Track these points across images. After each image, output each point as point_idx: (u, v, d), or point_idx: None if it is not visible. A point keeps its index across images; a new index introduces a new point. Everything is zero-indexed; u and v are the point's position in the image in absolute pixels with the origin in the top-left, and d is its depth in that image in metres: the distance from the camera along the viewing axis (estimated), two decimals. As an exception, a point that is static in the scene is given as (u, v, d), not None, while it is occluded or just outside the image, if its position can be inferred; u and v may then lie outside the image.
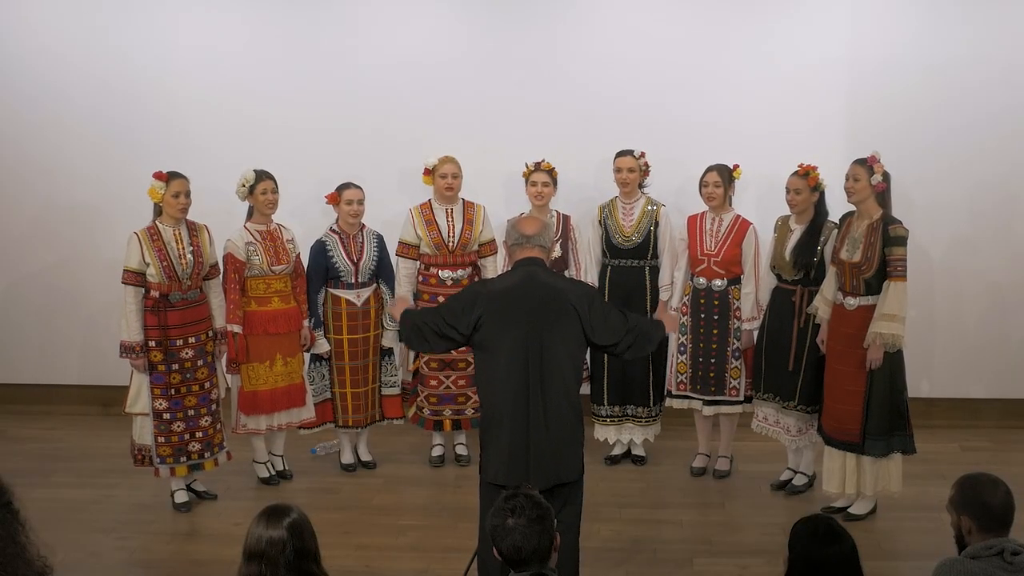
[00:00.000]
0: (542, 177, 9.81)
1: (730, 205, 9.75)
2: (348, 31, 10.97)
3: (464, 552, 8.15)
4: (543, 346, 6.95)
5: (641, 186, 9.92)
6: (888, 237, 8.61)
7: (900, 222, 8.74)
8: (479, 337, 7.01)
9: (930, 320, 10.86)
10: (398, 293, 9.86)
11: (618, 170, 9.83)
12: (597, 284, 9.94)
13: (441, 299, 9.57)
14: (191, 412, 9.24)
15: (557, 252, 9.80)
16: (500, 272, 9.79)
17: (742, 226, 9.65)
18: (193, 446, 9.28)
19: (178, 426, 9.19)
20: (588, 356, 9.87)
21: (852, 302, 8.80)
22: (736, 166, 9.69)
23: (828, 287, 9.00)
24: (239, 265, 9.36)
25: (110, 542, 8.88)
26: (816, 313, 9.13)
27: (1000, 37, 10.63)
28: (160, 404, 9.13)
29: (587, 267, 10.01)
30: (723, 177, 9.58)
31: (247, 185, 9.41)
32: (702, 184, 9.63)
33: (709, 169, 9.62)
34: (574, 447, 7.12)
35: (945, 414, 10.79)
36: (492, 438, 7.11)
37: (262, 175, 9.43)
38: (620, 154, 9.85)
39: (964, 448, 10.15)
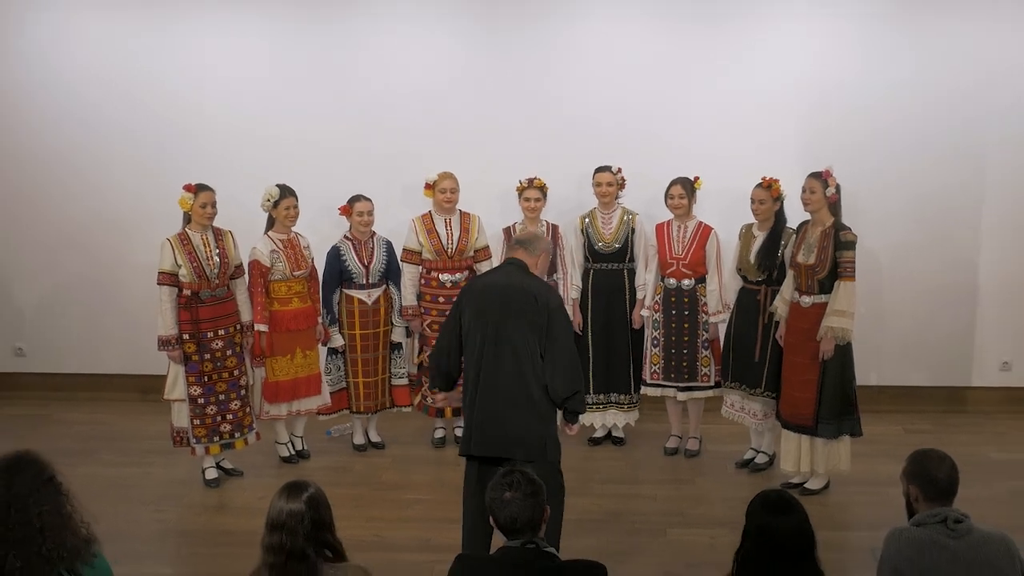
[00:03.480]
0: (534, 193, 9.88)
1: (693, 214, 9.78)
2: (359, 60, 10.99)
3: (459, 524, 8.33)
4: (499, 333, 7.05)
5: (617, 198, 9.96)
6: (839, 242, 8.69)
7: (850, 229, 8.81)
8: (463, 325, 7.20)
9: (877, 316, 10.84)
10: (406, 302, 9.95)
11: (598, 184, 9.87)
12: (581, 286, 9.99)
13: (442, 299, 9.83)
14: (222, 397, 9.29)
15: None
16: (494, 275, 10.00)
17: (705, 231, 9.72)
18: (224, 427, 9.34)
19: (211, 409, 9.25)
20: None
21: (807, 300, 8.88)
22: (696, 177, 9.75)
23: (786, 287, 9.09)
24: (264, 270, 9.40)
25: (148, 514, 8.95)
26: (776, 311, 9.22)
27: (942, 64, 10.66)
28: (195, 390, 9.20)
29: (572, 273, 10.04)
30: (686, 189, 9.65)
31: (271, 200, 9.45)
32: (667, 196, 9.69)
33: (673, 183, 9.68)
34: (528, 429, 7.11)
35: (890, 400, 10.80)
36: (464, 416, 7.35)
37: (286, 192, 9.47)
38: (599, 170, 9.90)
39: (908, 431, 10.15)
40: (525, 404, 7.10)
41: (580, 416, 7.35)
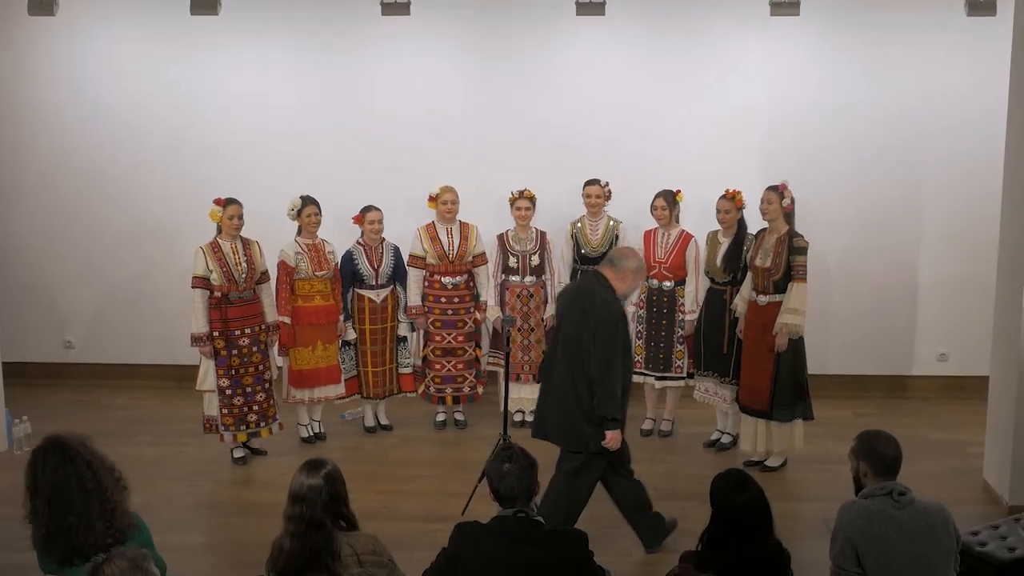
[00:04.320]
0: (525, 203, 9.89)
1: (676, 222, 9.78)
2: (370, 87, 10.97)
3: (462, 496, 8.35)
4: (562, 334, 7.39)
5: (604, 207, 9.97)
6: (793, 248, 8.76)
7: (802, 236, 8.88)
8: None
9: (827, 313, 10.81)
10: (412, 302, 9.93)
11: (588, 195, 9.87)
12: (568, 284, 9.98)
13: (443, 299, 9.92)
14: (248, 389, 9.28)
15: (535, 261, 10.00)
16: (490, 277, 10.03)
17: (686, 238, 9.72)
18: (251, 417, 9.33)
19: (238, 400, 9.25)
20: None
21: (763, 299, 8.94)
22: (679, 191, 9.74)
23: (745, 287, 9.11)
24: (289, 270, 9.44)
25: (182, 488, 8.96)
26: (736, 309, 9.23)
27: (885, 91, 10.69)
28: (223, 382, 9.19)
29: (560, 272, 10.05)
30: (668, 201, 9.64)
31: (295, 209, 9.49)
32: (652, 207, 9.69)
33: (657, 196, 9.68)
34: (571, 422, 7.27)
35: (839, 388, 10.77)
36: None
37: (307, 201, 9.50)
38: (589, 183, 9.90)
39: (856, 414, 10.12)
40: (570, 400, 7.28)
41: (612, 427, 7.22)
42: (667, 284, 9.76)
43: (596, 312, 7.17)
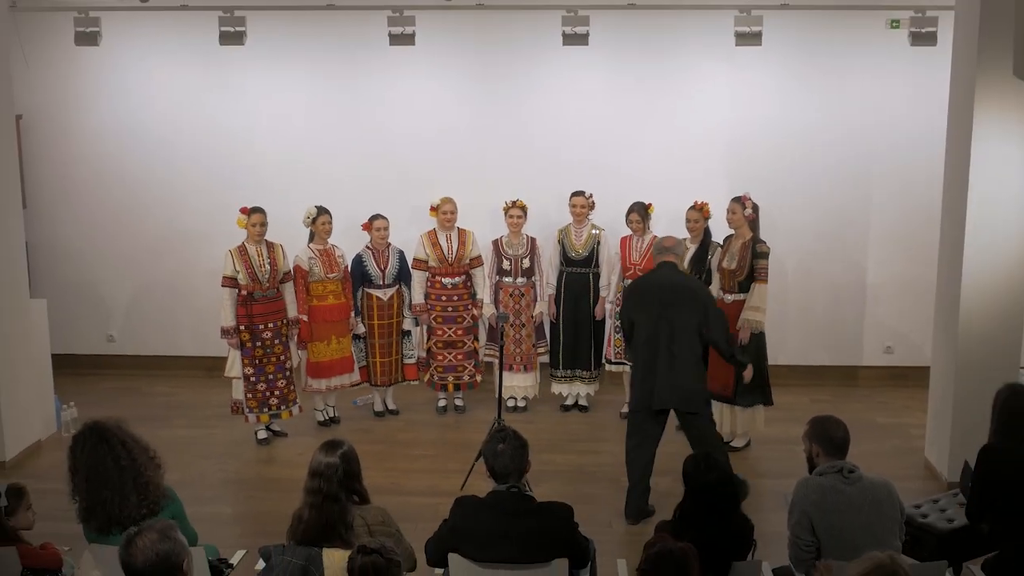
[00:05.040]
0: (517, 212, 9.86)
1: (649, 230, 9.76)
2: (379, 107, 10.99)
3: (461, 473, 8.36)
4: (670, 318, 7.53)
5: (588, 216, 9.96)
6: (756, 252, 8.78)
7: (765, 242, 8.90)
8: (631, 318, 7.80)
9: (785, 310, 10.87)
10: (415, 300, 9.92)
11: (574, 205, 9.85)
12: (555, 285, 10.00)
13: (444, 298, 9.89)
14: (271, 376, 9.32)
15: (526, 264, 10.00)
16: (486, 278, 10.01)
17: (657, 243, 9.75)
18: (272, 400, 9.36)
19: (261, 386, 9.28)
20: (547, 332, 10.12)
21: (729, 298, 8.96)
22: (650, 204, 9.75)
23: (713, 288, 9.05)
24: (303, 273, 9.44)
25: (212, 465, 8.99)
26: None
27: (838, 112, 10.73)
28: (248, 370, 9.23)
29: (548, 274, 10.05)
30: (640, 214, 9.65)
31: (311, 217, 9.49)
32: (627, 219, 9.70)
33: (631, 209, 9.68)
34: (695, 386, 7.62)
35: (797, 376, 10.79)
36: (635, 382, 7.82)
37: (322, 211, 9.51)
38: (575, 194, 9.88)
39: (811, 400, 10.08)
40: (689, 369, 7.58)
41: (746, 364, 7.96)
42: (642, 284, 9.73)
43: (702, 293, 7.76)
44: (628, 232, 9.86)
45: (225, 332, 9.19)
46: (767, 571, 5.56)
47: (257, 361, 9.27)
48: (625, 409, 10.02)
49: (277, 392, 9.40)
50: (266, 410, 9.39)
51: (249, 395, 9.30)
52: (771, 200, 10.15)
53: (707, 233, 9.37)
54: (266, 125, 11.12)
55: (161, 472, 5.39)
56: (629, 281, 9.64)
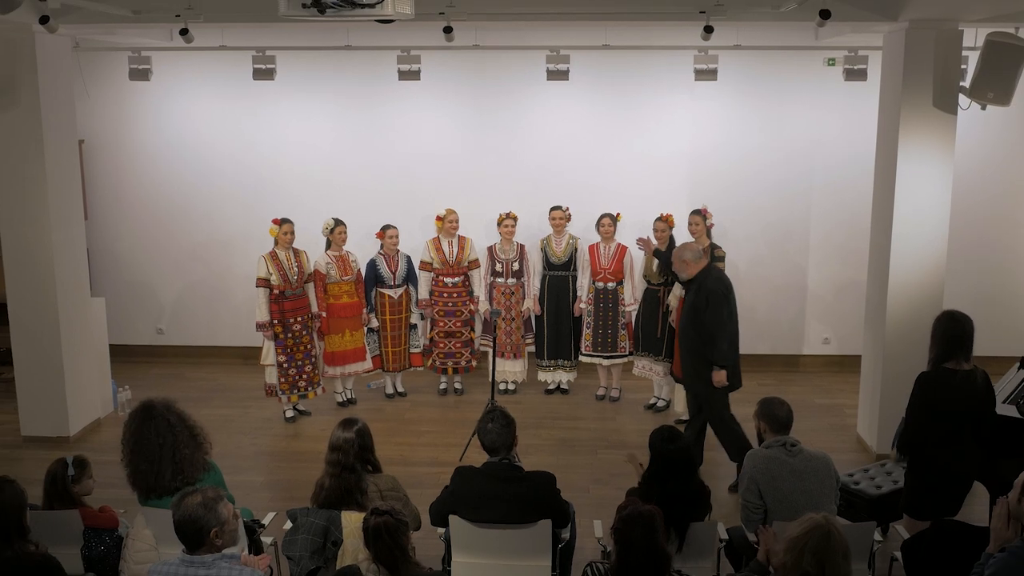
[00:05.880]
0: (510, 222, 9.85)
1: (614, 238, 9.75)
2: (389, 132, 10.93)
3: (459, 446, 8.38)
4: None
5: (566, 227, 9.91)
6: (713, 256, 8.64)
7: (721, 247, 8.89)
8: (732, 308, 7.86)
9: (738, 306, 10.65)
10: (421, 296, 9.91)
11: (553, 218, 9.83)
12: (539, 286, 9.97)
13: (445, 295, 9.87)
14: (299, 362, 9.34)
15: (516, 267, 9.96)
16: (481, 278, 9.97)
17: (622, 250, 9.68)
18: (301, 383, 9.37)
19: (292, 371, 9.30)
20: (533, 325, 10.11)
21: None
22: (618, 213, 9.77)
23: (676, 288, 8.98)
24: (322, 276, 9.45)
25: (246, 440, 9.01)
26: (670, 304, 9.18)
27: (780, 136, 10.69)
28: (281, 358, 9.24)
29: (533, 277, 10.00)
30: (612, 221, 9.65)
31: (328, 228, 9.50)
32: (599, 225, 9.67)
33: (602, 217, 9.67)
34: (695, 369, 7.77)
35: (746, 364, 9.91)
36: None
37: (338, 222, 9.52)
38: (554, 208, 9.87)
39: (759, 384, 10.03)
40: (692, 354, 7.75)
41: (721, 366, 7.72)
42: (610, 285, 9.70)
43: (706, 286, 7.72)
44: (597, 240, 9.83)
45: (261, 326, 9.17)
46: (721, 530, 5.58)
47: (288, 350, 9.27)
48: (600, 392, 10.09)
49: (304, 376, 9.41)
50: (295, 391, 9.39)
51: (282, 379, 9.30)
52: (725, 213, 10.18)
53: (672, 241, 9.30)
54: (292, 148, 11.07)
55: (203, 449, 5.37)
56: (600, 284, 9.69)
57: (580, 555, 5.82)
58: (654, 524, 4.32)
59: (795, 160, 10.80)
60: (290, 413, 9.53)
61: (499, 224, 9.94)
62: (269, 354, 9.28)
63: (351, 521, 5.08)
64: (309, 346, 9.43)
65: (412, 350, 10.10)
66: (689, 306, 7.68)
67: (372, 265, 9.79)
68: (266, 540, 5.66)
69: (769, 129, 10.76)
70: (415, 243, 10.15)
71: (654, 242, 9.17)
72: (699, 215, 9.02)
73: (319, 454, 5.55)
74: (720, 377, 7.66)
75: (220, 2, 8.12)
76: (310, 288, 9.44)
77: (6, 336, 9.04)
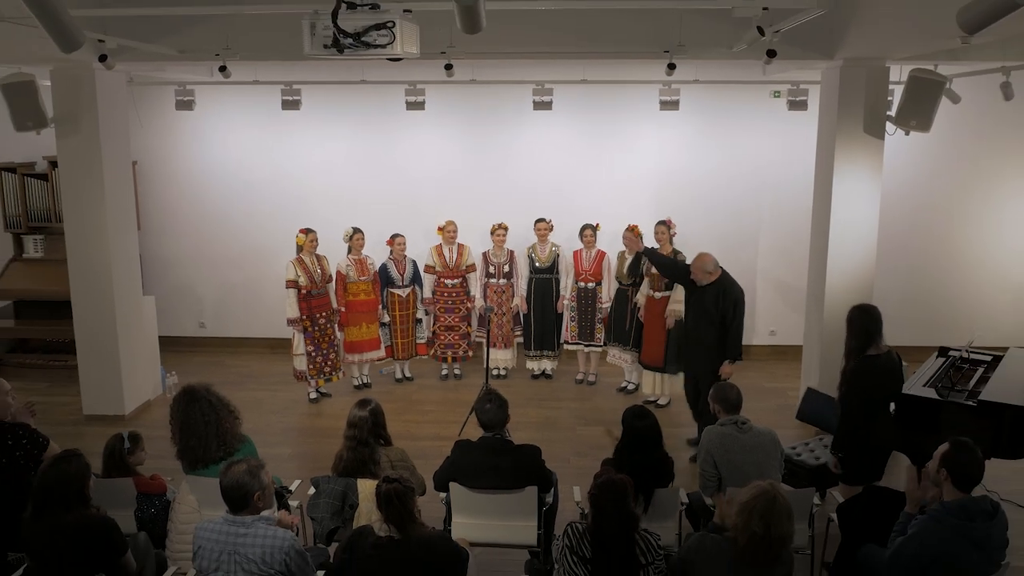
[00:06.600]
0: (502, 232, 9.81)
1: (595, 244, 9.74)
2: (399, 155, 10.90)
3: (458, 423, 8.37)
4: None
5: (549, 236, 9.89)
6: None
7: (682, 252, 8.80)
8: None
9: None
10: (426, 295, 9.89)
11: (538, 229, 9.80)
12: (526, 287, 9.93)
13: (446, 294, 9.84)
14: (324, 351, 9.34)
15: (506, 270, 9.93)
16: (477, 280, 9.93)
17: (601, 255, 9.65)
18: (326, 369, 9.38)
19: (319, 359, 9.31)
20: (522, 320, 10.05)
21: (658, 295, 8.92)
22: (598, 224, 9.73)
23: (644, 287, 9.06)
24: (342, 277, 9.43)
25: (276, 418, 8.99)
26: (639, 302, 9.18)
27: (734, 158, 10.68)
28: (309, 348, 9.26)
29: (521, 279, 9.96)
30: (593, 231, 9.62)
31: (348, 235, 9.49)
32: (582, 234, 9.64)
33: (584, 228, 9.64)
34: (707, 361, 7.54)
35: None
36: None
37: (356, 230, 9.53)
38: (539, 220, 9.82)
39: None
40: (705, 347, 7.53)
41: (736, 359, 7.60)
42: (590, 285, 9.67)
43: (731, 292, 7.55)
44: (579, 247, 9.79)
45: (291, 321, 9.17)
46: (683, 495, 5.59)
47: (316, 341, 9.27)
48: (579, 376, 10.08)
49: (329, 363, 9.42)
50: (322, 376, 9.41)
51: (310, 366, 9.31)
52: (686, 223, 10.13)
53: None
54: (315, 168, 11.03)
55: (239, 423, 5.39)
56: (582, 284, 9.68)
57: (561, 516, 5.80)
58: (625, 490, 4.33)
59: (746, 178, 10.78)
60: (313, 395, 9.50)
61: (492, 233, 9.91)
62: (299, 345, 9.27)
63: (366, 487, 5.09)
64: (332, 337, 9.43)
65: (418, 341, 10.07)
66: (708, 307, 7.50)
67: (384, 269, 9.76)
68: (293, 503, 5.65)
69: (724, 152, 10.74)
70: (420, 250, 10.12)
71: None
72: (664, 225, 9.01)
73: (338, 430, 5.55)
74: (731, 370, 7.53)
75: (253, 42, 8.11)
76: (331, 288, 9.42)
77: (70, 329, 9.03)
